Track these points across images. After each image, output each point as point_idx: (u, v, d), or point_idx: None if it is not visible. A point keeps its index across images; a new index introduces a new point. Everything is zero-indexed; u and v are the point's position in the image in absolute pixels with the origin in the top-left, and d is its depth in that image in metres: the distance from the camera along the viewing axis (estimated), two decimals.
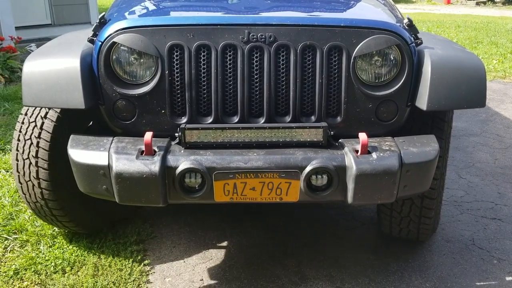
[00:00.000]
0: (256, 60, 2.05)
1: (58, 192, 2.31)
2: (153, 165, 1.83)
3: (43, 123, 2.27)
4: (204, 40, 2.03)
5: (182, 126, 1.95)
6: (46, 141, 2.26)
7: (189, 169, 1.85)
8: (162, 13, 2.30)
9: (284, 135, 1.96)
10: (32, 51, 6.86)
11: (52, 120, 2.27)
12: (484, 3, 20.04)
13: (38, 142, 2.26)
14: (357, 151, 1.90)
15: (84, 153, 1.93)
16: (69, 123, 2.31)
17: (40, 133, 2.27)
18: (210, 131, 1.95)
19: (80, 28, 2.65)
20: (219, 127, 1.95)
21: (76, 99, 2.00)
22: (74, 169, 1.95)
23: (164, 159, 1.87)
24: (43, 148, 2.26)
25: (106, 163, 1.88)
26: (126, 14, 2.23)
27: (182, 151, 1.93)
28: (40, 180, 2.28)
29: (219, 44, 2.03)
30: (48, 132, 2.26)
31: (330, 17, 2.12)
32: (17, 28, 7.25)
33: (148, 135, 1.88)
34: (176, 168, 1.86)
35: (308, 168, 1.85)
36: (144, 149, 1.89)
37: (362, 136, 1.89)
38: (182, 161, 1.87)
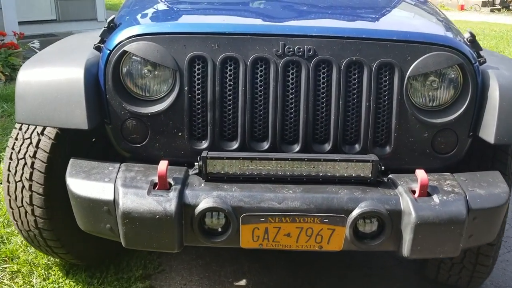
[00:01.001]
0: (291, 77, 1.73)
1: (55, 221, 2.00)
2: (168, 203, 1.52)
3: (39, 140, 1.96)
4: (232, 52, 1.71)
5: (204, 154, 1.63)
6: (43, 162, 1.94)
7: (212, 208, 1.53)
8: (182, 18, 1.98)
9: (326, 169, 1.63)
10: (35, 47, 6.55)
11: (49, 138, 1.95)
12: (499, 10, 19.66)
13: (33, 163, 1.94)
14: (413, 192, 1.57)
15: (85, 184, 1.61)
16: (70, 142, 1.99)
17: (35, 152, 1.95)
18: (237, 161, 1.63)
19: (86, 25, 2.32)
20: (248, 157, 1.63)
21: (78, 118, 1.69)
22: (73, 202, 1.64)
23: (181, 195, 1.55)
24: (38, 170, 1.94)
25: (111, 197, 1.56)
26: (140, 18, 1.91)
27: (202, 185, 1.62)
28: (34, 206, 1.97)
29: (249, 57, 1.71)
30: (45, 152, 1.94)
31: (380, 29, 1.80)
32: (20, 23, 6.93)
33: (163, 166, 1.56)
34: (195, 206, 1.54)
35: (355, 212, 1.53)
36: (157, 181, 1.57)
37: (421, 174, 1.56)
38: (203, 198, 1.55)
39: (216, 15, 2.03)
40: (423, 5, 2.42)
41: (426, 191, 1.56)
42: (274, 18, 1.97)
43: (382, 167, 1.67)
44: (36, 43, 6.53)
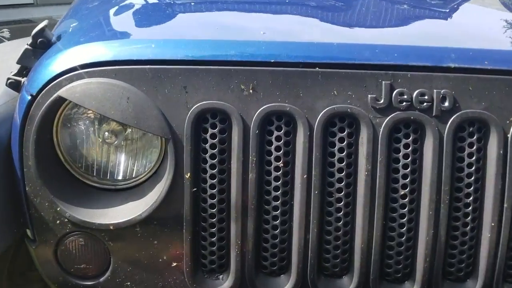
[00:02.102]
0: (405, 154, 0.84)
1: None
2: None
3: None
4: (283, 101, 0.83)
5: None
6: None
7: None
8: (177, 30, 1.06)
9: None
10: (4, 37, 5.60)
11: None
12: None
13: None
14: None
15: None
16: None
17: None
18: None
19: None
20: None
21: None
22: None
23: None
24: None
25: None
26: (97, 31, 1.00)
27: None
28: None
29: (318, 114, 0.82)
30: None
31: None
32: None
33: None
34: None
35: None
36: None
37: None
38: None
39: (245, 26, 1.10)
40: None
41: None
42: (352, 33, 1.06)
43: None
44: (5, 32, 5.53)
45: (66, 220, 0.87)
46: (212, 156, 0.84)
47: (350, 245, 0.87)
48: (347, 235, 0.86)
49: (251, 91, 0.84)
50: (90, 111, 0.87)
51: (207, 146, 0.84)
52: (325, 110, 0.83)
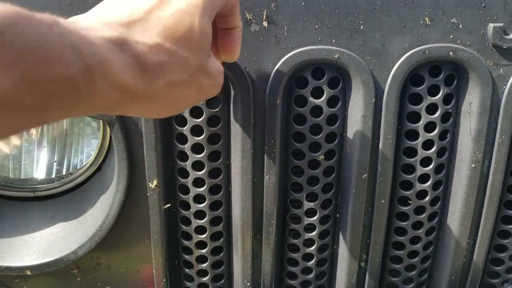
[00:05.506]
0: None
1: None
2: None
3: None
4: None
5: None
6: None
7: None
8: None
9: None
10: None
11: None
12: None
13: None
14: None
15: None
16: None
17: None
18: None
19: None
20: None
21: None
22: None
23: None
24: None
25: None
26: None
27: None
28: None
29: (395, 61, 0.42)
30: None
31: None
32: None
33: None
34: None
35: None
36: None
37: None
38: None
39: None
40: None
41: None
42: None
43: None
44: None
45: None
46: (196, 148, 0.46)
47: None
48: None
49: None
50: None
51: (186, 130, 0.45)
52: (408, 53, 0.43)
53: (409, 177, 0.48)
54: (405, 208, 0.50)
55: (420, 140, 0.47)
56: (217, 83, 0.35)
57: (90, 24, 0.28)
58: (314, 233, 0.50)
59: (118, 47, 0.27)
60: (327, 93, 0.45)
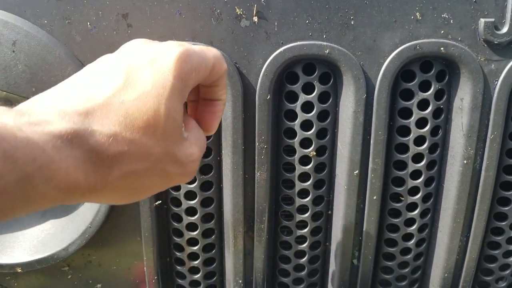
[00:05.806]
0: None
1: None
2: None
3: None
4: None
5: None
6: None
7: None
8: None
9: None
10: None
11: None
12: None
13: None
14: None
15: None
16: None
17: None
18: None
19: None
20: None
21: None
22: None
23: None
24: None
25: None
26: None
27: None
28: None
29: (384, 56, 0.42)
30: None
31: None
32: None
33: None
34: None
35: None
36: None
37: None
38: None
39: None
40: None
41: None
42: None
43: None
44: None
45: None
46: None
47: None
48: None
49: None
50: None
51: None
52: (399, 49, 0.43)
53: (401, 173, 0.48)
54: (397, 205, 0.50)
55: (411, 136, 0.47)
56: (188, 171, 0.31)
57: (41, 114, 0.25)
58: (306, 230, 0.50)
59: (69, 143, 0.25)
60: (318, 88, 0.45)
